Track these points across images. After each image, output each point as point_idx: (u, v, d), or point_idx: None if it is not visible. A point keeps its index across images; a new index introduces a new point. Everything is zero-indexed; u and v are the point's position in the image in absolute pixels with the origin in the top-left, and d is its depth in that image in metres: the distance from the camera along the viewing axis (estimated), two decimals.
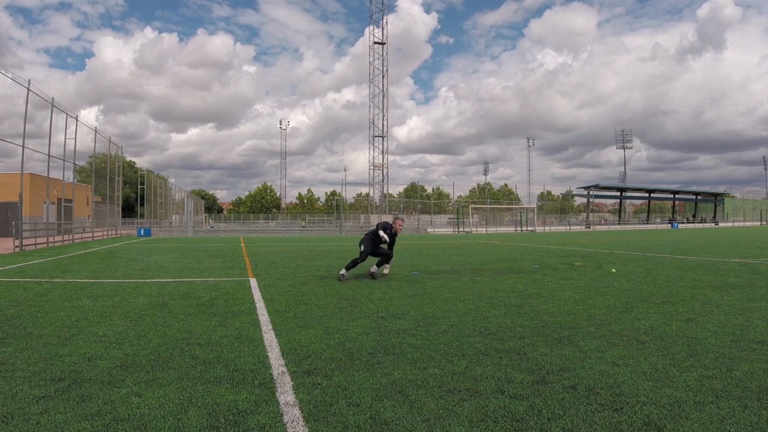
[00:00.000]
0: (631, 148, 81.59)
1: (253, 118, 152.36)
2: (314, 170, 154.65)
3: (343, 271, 8.38)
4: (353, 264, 8.46)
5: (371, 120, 51.52)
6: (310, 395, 2.91)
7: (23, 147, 16.58)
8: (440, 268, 10.43)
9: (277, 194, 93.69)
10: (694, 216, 69.48)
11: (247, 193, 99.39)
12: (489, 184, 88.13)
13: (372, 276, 8.49)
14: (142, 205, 41.25)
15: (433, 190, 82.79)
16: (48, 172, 19.13)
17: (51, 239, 19.91)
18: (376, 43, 51.34)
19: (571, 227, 52.55)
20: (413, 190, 70.16)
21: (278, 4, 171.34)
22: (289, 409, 2.70)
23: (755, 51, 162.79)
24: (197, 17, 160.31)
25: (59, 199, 23.02)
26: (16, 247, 16.27)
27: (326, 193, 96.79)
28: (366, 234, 8.89)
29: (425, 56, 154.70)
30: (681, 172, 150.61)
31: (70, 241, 21.66)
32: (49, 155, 19.01)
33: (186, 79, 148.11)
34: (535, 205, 56.66)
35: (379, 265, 8.64)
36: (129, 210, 54.53)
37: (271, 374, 3.30)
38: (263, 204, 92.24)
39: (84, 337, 4.30)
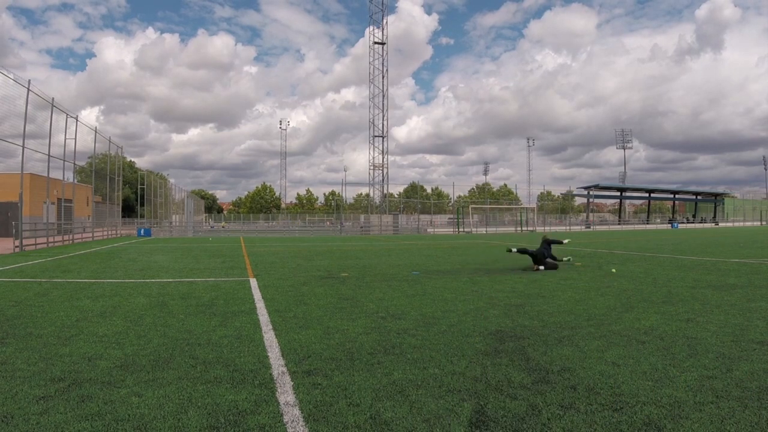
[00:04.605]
0: (630, 148, 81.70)
1: (254, 118, 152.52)
2: (314, 170, 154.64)
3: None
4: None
5: (371, 120, 51.47)
6: (310, 395, 2.91)
7: (23, 147, 16.58)
8: (440, 268, 10.43)
9: (277, 194, 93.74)
10: (694, 216, 69.42)
11: (246, 193, 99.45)
12: (489, 184, 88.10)
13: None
14: (142, 205, 41.24)
15: (432, 190, 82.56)
16: (48, 172, 19.12)
17: (51, 239, 19.90)
18: (376, 43, 51.28)
19: (571, 227, 52.53)
20: (413, 190, 70.08)
21: (280, 5, 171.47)
22: (289, 409, 2.70)
23: (754, 51, 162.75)
24: (199, 18, 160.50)
25: (59, 199, 23.02)
26: (16, 247, 16.27)
27: (325, 194, 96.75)
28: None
29: (425, 57, 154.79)
30: (680, 172, 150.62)
31: (70, 241, 21.66)
32: (49, 155, 19.01)
33: (187, 79, 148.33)
34: (535, 205, 56.66)
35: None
36: (129, 210, 54.46)
37: (271, 374, 3.30)
38: (263, 204, 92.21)
39: (84, 337, 4.30)
